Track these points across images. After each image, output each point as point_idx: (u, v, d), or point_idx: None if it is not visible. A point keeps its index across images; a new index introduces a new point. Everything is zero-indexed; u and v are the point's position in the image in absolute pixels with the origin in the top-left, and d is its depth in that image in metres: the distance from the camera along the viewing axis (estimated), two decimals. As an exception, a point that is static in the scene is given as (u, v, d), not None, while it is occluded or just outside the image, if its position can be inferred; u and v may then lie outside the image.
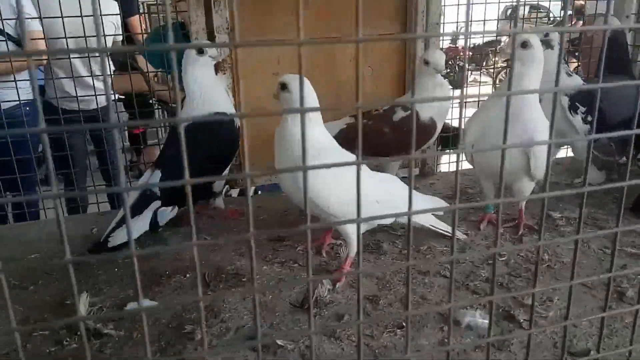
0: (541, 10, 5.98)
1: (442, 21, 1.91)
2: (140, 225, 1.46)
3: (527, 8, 6.42)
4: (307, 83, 1.24)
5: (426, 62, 1.64)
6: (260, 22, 1.81)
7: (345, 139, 1.73)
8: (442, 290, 1.24)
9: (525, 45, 1.36)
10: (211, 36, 1.72)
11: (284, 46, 1.83)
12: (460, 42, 6.37)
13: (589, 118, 1.80)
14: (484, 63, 7.01)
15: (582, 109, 1.78)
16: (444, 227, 1.42)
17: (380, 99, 2.02)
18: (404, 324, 1.08)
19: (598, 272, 1.30)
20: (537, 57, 1.39)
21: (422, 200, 1.39)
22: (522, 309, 1.15)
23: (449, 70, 6.98)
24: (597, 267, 1.33)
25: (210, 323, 1.11)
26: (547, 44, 1.77)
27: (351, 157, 1.25)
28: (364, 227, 1.31)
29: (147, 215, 1.48)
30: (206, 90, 1.54)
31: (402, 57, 2.04)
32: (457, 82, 6.00)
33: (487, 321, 1.06)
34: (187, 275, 1.32)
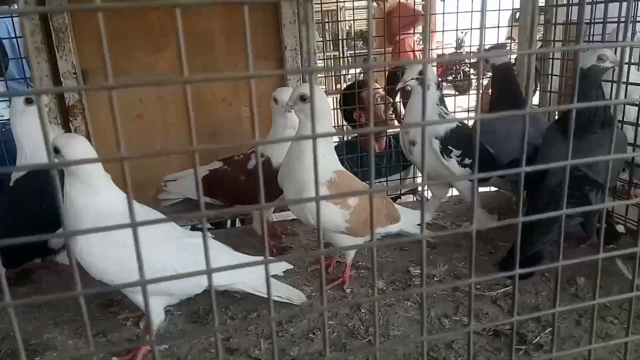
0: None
1: (315, 60, 1.82)
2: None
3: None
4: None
5: (275, 100, 1.55)
6: (117, 64, 1.72)
7: (205, 185, 1.65)
8: None
9: (304, 98, 1.27)
10: (57, 82, 1.63)
11: (145, 87, 1.73)
12: (465, 49, 6.20)
13: (466, 161, 1.69)
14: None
15: (455, 151, 1.68)
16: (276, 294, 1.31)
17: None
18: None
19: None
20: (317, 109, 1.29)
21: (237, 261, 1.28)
22: None
23: (453, 76, 6.85)
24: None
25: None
26: (422, 83, 1.68)
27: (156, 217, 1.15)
28: (167, 300, 1.21)
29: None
30: (37, 141, 1.45)
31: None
32: (463, 87, 5.86)
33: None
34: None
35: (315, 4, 2.71)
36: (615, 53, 1.50)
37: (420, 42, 5.39)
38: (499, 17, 2.39)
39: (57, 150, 1.10)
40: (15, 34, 1.78)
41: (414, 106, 1.74)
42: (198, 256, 1.17)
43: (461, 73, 6.80)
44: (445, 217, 1.93)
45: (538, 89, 2.33)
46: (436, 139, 1.68)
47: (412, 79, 1.65)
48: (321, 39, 5.49)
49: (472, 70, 6.16)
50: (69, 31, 1.60)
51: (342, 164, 2.32)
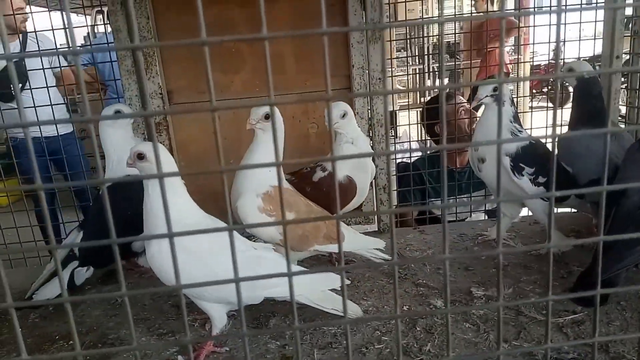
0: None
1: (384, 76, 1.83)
2: (57, 285, 1.55)
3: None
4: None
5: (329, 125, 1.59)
6: (197, 84, 1.86)
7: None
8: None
9: (267, 117, 1.38)
10: (145, 101, 1.79)
11: (221, 104, 1.85)
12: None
13: (540, 179, 1.62)
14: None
15: (528, 169, 1.62)
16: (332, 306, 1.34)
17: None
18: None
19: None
20: (278, 128, 1.35)
21: (305, 276, 1.32)
22: None
23: (549, 87, 6.60)
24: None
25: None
26: (497, 99, 1.65)
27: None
28: (228, 307, 1.28)
29: (64, 275, 1.57)
30: (121, 152, 1.61)
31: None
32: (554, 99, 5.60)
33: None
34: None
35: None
36: None
37: (512, 54, 5.22)
38: (595, 28, 2.26)
39: (141, 157, 1.22)
40: (110, 58, 2.00)
41: (485, 122, 1.71)
42: (259, 267, 1.26)
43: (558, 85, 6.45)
44: (517, 238, 1.86)
45: (627, 104, 2.18)
46: (507, 156, 1.63)
47: (487, 96, 1.62)
48: (405, 53, 5.47)
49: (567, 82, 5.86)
50: (156, 55, 1.76)
51: (421, 178, 2.35)
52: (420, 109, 2.72)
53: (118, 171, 1.59)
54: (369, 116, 1.89)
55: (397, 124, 3.39)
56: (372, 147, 1.87)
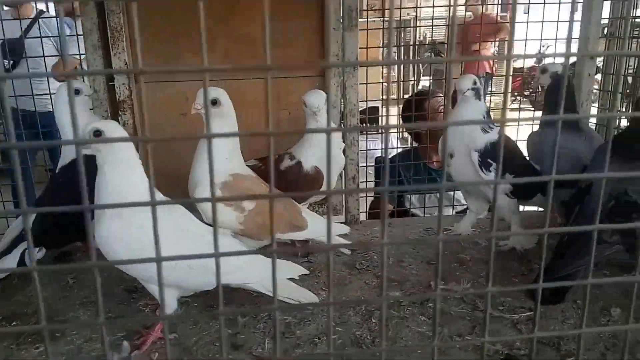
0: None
1: (357, 68, 1.80)
2: (8, 263, 1.49)
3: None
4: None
5: (304, 104, 1.56)
6: (166, 63, 1.81)
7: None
8: None
9: (214, 102, 1.36)
10: (110, 78, 1.74)
11: (192, 85, 1.80)
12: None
13: (507, 176, 1.62)
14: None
15: (494, 165, 1.61)
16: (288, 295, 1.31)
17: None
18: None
19: None
20: (225, 114, 1.39)
21: (263, 264, 1.29)
22: None
23: (531, 90, 6.61)
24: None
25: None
26: (477, 93, 1.63)
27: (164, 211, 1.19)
28: (179, 292, 1.24)
29: (15, 254, 1.51)
30: (82, 130, 1.55)
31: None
32: (537, 103, 5.64)
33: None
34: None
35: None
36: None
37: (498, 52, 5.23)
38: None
39: (98, 134, 1.17)
40: (77, 32, 1.93)
41: (459, 117, 1.69)
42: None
43: (539, 87, 6.49)
44: (483, 233, 1.85)
45: (599, 106, 2.19)
46: (475, 151, 1.62)
47: (469, 89, 1.61)
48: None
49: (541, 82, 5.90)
50: (124, 30, 1.71)
51: (395, 171, 2.33)
52: (402, 105, 2.70)
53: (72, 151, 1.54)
54: (342, 106, 1.86)
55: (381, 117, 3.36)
56: (343, 139, 1.84)
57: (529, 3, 2.28)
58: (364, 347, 1.19)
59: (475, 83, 1.63)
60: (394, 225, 1.98)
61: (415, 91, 3.46)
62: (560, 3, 2.10)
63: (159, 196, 1.26)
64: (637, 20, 2.04)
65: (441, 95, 2.60)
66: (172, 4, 1.81)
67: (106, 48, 1.72)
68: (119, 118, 1.78)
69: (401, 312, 1.32)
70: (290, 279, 1.36)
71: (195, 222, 1.29)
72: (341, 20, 1.74)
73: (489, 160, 1.62)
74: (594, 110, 2.23)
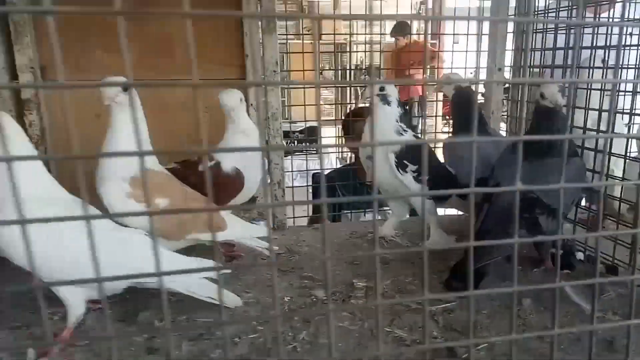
0: None
1: (278, 69, 1.81)
2: None
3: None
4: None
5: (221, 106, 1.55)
6: (76, 61, 1.72)
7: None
8: None
9: (125, 89, 1.31)
10: (14, 75, 1.62)
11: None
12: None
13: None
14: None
15: (411, 167, 1.67)
16: (207, 294, 1.27)
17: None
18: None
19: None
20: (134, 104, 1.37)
21: (184, 263, 1.25)
22: None
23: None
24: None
25: None
26: (383, 99, 1.68)
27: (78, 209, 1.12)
28: (88, 292, 1.16)
29: None
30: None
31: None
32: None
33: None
34: None
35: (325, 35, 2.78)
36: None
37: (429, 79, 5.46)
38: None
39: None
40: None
41: (372, 123, 1.74)
42: (124, 249, 1.15)
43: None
44: (405, 236, 1.91)
45: (508, 114, 2.35)
46: (392, 153, 1.67)
47: (376, 94, 1.66)
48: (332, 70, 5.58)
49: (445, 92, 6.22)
50: (28, 25, 1.60)
51: (334, 191, 2.34)
52: (342, 123, 2.74)
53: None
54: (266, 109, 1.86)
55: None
56: (267, 142, 1.83)
57: (453, 34, 2.41)
58: (284, 344, 1.17)
59: (381, 89, 1.68)
60: (320, 229, 1.99)
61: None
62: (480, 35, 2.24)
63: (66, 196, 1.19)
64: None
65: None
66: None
67: (8, 43, 1.61)
68: (24, 118, 1.66)
69: (324, 310, 1.32)
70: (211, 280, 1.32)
71: (109, 222, 1.22)
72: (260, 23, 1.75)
73: (404, 161, 1.68)
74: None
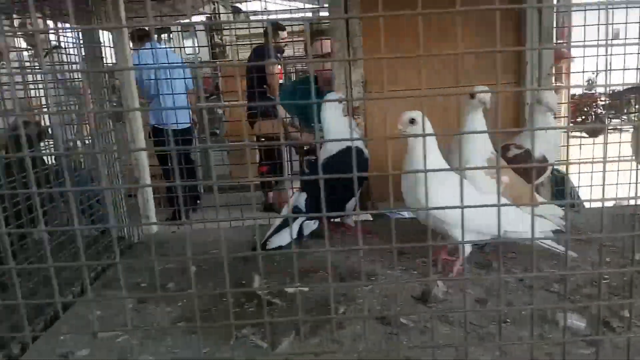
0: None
1: (552, 72, 2.14)
2: (288, 234, 1.84)
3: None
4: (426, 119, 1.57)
5: (539, 102, 1.88)
6: (388, 76, 2.20)
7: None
8: (543, 300, 1.42)
9: (412, 121, 1.50)
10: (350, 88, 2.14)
11: (409, 98, 2.17)
12: (599, 89, 6.12)
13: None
14: (625, 110, 6.73)
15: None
16: (554, 245, 1.58)
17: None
18: (507, 320, 1.31)
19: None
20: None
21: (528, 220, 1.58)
22: (618, 319, 1.29)
23: (583, 117, 6.70)
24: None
25: (348, 304, 1.43)
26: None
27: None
28: (472, 237, 1.55)
29: (295, 226, 1.87)
30: (340, 128, 1.91)
31: (516, 104, 2.31)
32: (594, 130, 5.77)
33: (583, 323, 1.25)
34: (327, 272, 1.66)
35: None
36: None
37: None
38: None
39: (412, 121, 1.52)
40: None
41: None
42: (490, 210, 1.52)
43: (592, 115, 6.61)
44: None
45: None
46: None
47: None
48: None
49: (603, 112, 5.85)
50: (359, 48, 2.11)
51: None
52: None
53: (339, 145, 1.91)
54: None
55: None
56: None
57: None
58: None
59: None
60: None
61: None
62: None
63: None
64: None
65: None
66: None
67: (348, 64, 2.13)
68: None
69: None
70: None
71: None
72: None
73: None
74: None
